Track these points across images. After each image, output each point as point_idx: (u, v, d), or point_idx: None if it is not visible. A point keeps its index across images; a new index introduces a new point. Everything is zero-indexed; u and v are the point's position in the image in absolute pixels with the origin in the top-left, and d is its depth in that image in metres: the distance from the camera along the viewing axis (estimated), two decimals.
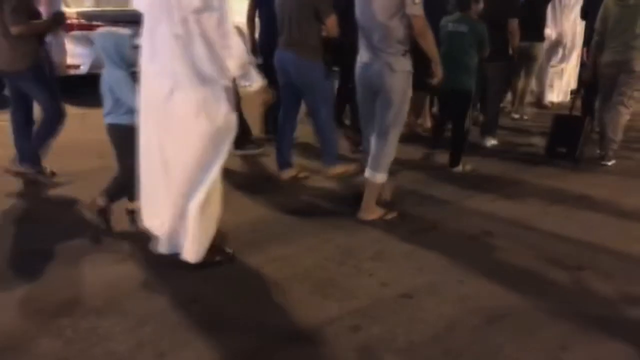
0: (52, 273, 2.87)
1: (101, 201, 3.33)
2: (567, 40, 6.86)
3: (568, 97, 7.03)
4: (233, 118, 2.75)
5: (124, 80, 3.13)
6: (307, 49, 3.90)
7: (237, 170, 4.52)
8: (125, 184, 3.25)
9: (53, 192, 4.01)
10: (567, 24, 6.72)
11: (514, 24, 4.98)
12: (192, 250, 2.80)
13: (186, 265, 2.87)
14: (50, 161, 4.27)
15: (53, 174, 4.22)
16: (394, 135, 3.40)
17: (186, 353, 2.24)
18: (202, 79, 2.61)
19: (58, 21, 4.17)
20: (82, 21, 6.51)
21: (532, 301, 2.65)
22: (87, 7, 7.54)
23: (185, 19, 2.53)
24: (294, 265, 2.97)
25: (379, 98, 3.36)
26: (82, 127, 5.48)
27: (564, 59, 7.03)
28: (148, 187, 2.85)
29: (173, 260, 2.96)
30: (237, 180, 4.19)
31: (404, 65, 3.29)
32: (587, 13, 5.63)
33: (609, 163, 4.81)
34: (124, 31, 3.26)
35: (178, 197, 2.75)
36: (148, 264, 2.96)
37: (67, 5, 7.11)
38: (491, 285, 2.78)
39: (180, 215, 2.77)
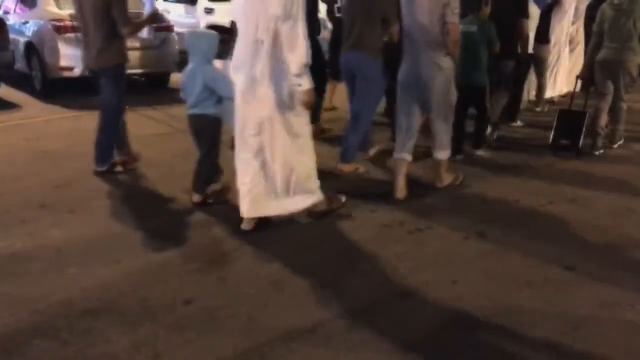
0: (47, 274, 2.87)
1: (196, 198, 3.65)
2: (560, 41, 6.90)
3: (562, 93, 7.13)
4: None
5: (218, 74, 3.47)
6: (372, 49, 4.31)
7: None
8: (211, 169, 3.56)
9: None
10: (558, 26, 6.76)
11: (523, 25, 5.13)
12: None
13: (183, 264, 2.89)
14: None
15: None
16: (449, 116, 3.99)
17: (182, 353, 2.25)
18: (274, 80, 3.04)
19: (155, 20, 4.88)
20: (75, 23, 6.36)
21: (526, 301, 2.67)
22: None
23: (268, 27, 2.95)
24: (289, 265, 2.98)
25: (430, 93, 3.83)
26: (76, 129, 5.52)
27: (558, 59, 7.06)
28: (253, 177, 3.24)
29: (169, 261, 2.97)
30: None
31: (448, 63, 3.80)
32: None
33: (615, 145, 5.29)
34: (210, 31, 3.68)
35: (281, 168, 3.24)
36: (143, 264, 2.97)
37: (60, 7, 6.96)
38: (485, 285, 2.80)
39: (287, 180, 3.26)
